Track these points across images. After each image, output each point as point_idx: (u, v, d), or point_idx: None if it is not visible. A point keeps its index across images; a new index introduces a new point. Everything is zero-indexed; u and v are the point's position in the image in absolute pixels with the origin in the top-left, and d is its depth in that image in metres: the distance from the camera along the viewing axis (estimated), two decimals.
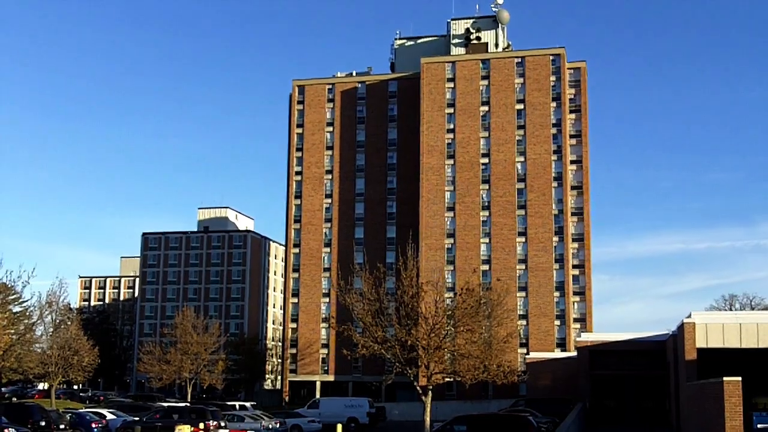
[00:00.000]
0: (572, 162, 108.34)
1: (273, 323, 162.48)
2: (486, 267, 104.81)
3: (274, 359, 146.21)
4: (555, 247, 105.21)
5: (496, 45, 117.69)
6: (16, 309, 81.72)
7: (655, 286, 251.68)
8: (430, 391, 37.79)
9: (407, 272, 38.11)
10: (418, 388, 38.68)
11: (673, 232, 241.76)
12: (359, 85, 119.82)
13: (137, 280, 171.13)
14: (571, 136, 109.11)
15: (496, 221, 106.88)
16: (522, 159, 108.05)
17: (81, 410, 58.26)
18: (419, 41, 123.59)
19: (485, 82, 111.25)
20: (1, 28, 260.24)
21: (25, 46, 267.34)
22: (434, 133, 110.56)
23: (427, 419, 37.15)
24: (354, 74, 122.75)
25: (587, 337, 68.32)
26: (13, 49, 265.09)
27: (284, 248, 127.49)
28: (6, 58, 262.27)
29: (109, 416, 52.97)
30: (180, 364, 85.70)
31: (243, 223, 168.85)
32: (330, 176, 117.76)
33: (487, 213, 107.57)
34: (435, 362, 37.86)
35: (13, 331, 42.49)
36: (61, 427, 48.78)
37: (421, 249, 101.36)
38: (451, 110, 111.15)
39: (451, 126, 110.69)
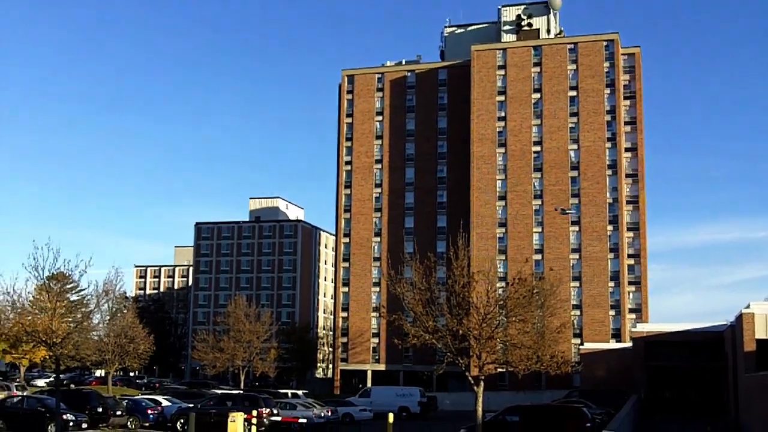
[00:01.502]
0: (627, 149, 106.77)
1: (324, 312, 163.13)
2: (538, 256, 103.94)
3: (325, 348, 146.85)
4: (609, 236, 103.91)
5: (548, 31, 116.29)
6: (74, 297, 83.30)
7: (712, 275, 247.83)
8: (482, 381, 37.43)
9: (458, 262, 37.71)
10: (469, 378, 38.34)
11: (730, 220, 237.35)
12: (409, 74, 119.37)
13: (191, 269, 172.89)
14: (626, 123, 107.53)
15: (548, 210, 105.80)
16: (575, 147, 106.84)
17: (137, 397, 59.02)
18: (469, 29, 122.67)
19: (537, 69, 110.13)
20: (68, 25, 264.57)
21: (82, 40, 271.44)
22: (485, 122, 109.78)
23: (479, 409, 36.84)
24: (403, 63, 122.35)
25: (643, 328, 67.47)
26: (72, 43, 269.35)
27: (334, 238, 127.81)
28: (65, 53, 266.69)
29: (165, 403, 53.54)
30: (233, 352, 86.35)
31: (293, 213, 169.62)
32: (379, 165, 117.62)
33: (539, 202, 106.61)
34: (487, 352, 37.47)
35: (70, 319, 43.12)
36: (118, 413, 49.40)
37: (472, 238, 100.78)
38: (502, 98, 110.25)
39: (502, 114, 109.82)
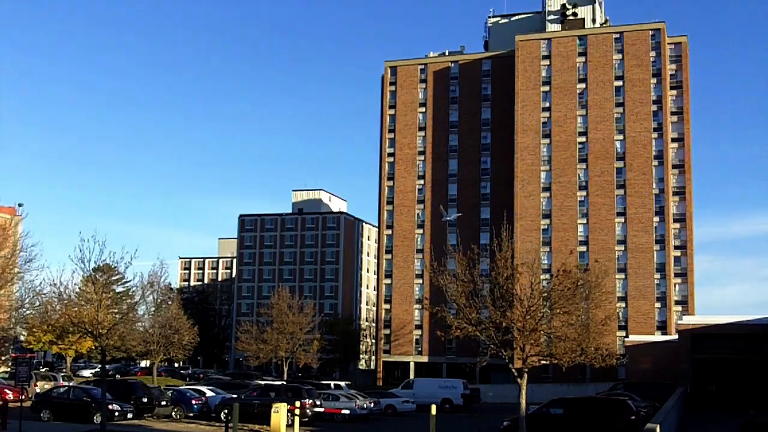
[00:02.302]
0: (673, 140, 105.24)
1: (366, 304, 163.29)
2: (583, 248, 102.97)
3: (368, 339, 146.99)
4: (655, 227, 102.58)
5: (593, 21, 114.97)
6: (120, 289, 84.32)
7: (760, 267, 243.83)
8: (525, 374, 37.08)
9: (502, 253, 37.33)
10: (513, 370, 37.99)
11: None
12: (452, 65, 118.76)
13: (234, 260, 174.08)
14: (672, 113, 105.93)
15: (593, 201, 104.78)
16: (621, 137, 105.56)
17: (181, 387, 59.41)
18: (513, 18, 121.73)
19: (582, 59, 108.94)
20: (117, 27, 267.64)
21: (125, 38, 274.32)
22: (529, 112, 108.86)
23: (523, 402, 36.50)
24: (447, 54, 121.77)
25: (689, 320, 66.56)
26: (112, 42, 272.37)
27: (377, 229, 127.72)
28: (115, 55, 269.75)
29: (209, 393, 53.84)
30: (276, 344, 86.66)
31: (336, 205, 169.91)
32: (423, 157, 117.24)
33: (584, 193, 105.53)
34: (530, 344, 37.09)
35: (116, 310, 43.49)
36: (163, 403, 49.81)
37: (516, 230, 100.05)
38: (547, 88, 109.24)
39: (547, 104, 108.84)
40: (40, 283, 43.95)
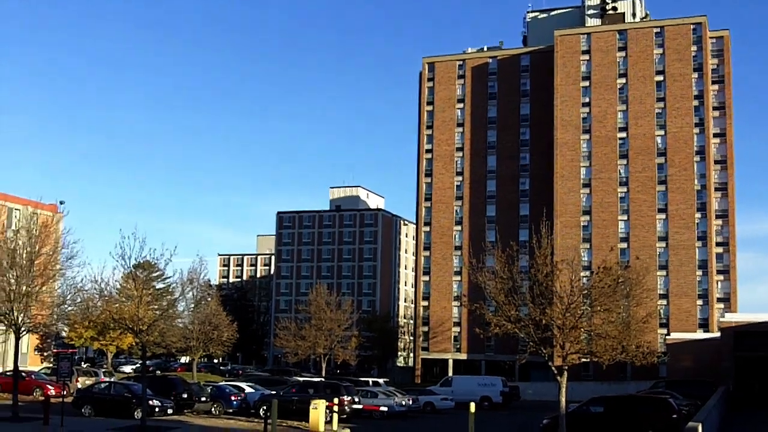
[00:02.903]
0: (715, 135, 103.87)
1: (404, 301, 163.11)
2: (624, 245, 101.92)
3: (406, 336, 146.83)
4: (697, 224, 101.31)
5: (633, 15, 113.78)
6: (160, 286, 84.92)
7: None
8: (565, 372, 36.66)
9: (541, 250, 36.91)
10: (553, 368, 37.57)
11: None
12: (490, 61, 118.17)
13: (273, 257, 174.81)
14: (714, 108, 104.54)
15: (634, 197, 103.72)
16: (662, 132, 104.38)
17: (221, 383, 59.62)
18: (552, 13, 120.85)
19: (622, 54, 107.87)
20: (158, 26, 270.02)
21: (170, 40, 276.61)
22: (569, 108, 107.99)
23: (563, 400, 36.10)
24: (485, 49, 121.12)
25: (732, 318, 65.60)
26: (161, 42, 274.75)
27: (415, 226, 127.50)
28: (156, 54, 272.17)
29: (248, 389, 53.98)
30: (314, 340, 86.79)
31: (374, 202, 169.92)
32: (461, 153, 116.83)
33: (625, 189, 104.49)
34: (570, 342, 36.63)
35: (156, 306, 43.63)
36: (202, 399, 50.00)
37: (556, 227, 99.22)
38: (587, 83, 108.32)
39: (587, 99, 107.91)
40: (82, 279, 44.21)
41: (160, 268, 74.00)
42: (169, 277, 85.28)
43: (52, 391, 51.41)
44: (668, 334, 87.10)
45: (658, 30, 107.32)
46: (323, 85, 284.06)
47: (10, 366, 58.45)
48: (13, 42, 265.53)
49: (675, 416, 36.82)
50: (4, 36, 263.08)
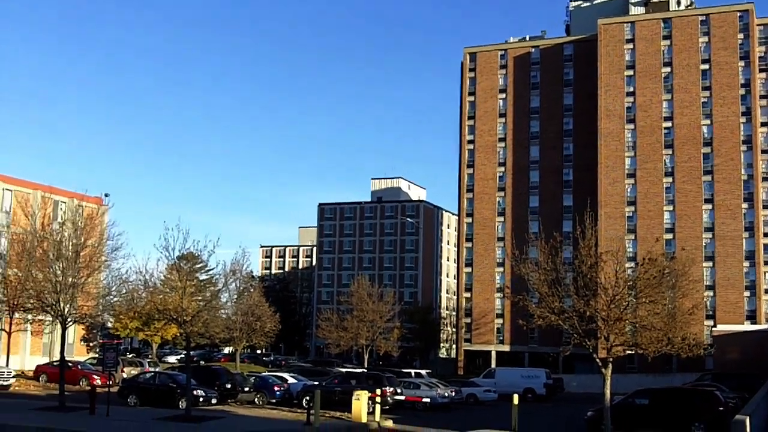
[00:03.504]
0: (763, 124, 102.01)
1: (446, 292, 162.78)
2: (669, 236, 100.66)
3: (449, 328, 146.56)
4: (744, 214, 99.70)
5: (678, 3, 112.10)
6: (203, 277, 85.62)
7: None
8: (610, 364, 36.24)
9: (585, 241, 36.49)
10: (597, 360, 37.22)
11: None
12: (533, 50, 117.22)
13: (314, 249, 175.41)
14: (761, 97, 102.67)
15: (680, 188, 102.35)
16: (708, 122, 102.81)
17: (264, 374, 59.97)
18: (596, 2, 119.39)
19: (667, 42, 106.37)
20: (203, 20, 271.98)
21: (213, 35, 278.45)
22: (613, 97, 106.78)
23: (607, 392, 35.71)
24: (527, 39, 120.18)
25: None
26: (205, 38, 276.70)
27: (457, 218, 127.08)
28: (199, 48, 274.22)
29: (291, 380, 54.19)
30: (356, 331, 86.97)
31: (415, 193, 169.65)
32: (503, 144, 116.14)
33: (670, 179, 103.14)
34: (615, 334, 36.18)
35: (200, 297, 43.95)
36: (246, 389, 50.27)
37: (600, 217, 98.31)
38: (631, 72, 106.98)
39: (631, 89, 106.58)
40: (127, 271, 44.70)
41: (204, 260, 74.57)
42: (213, 269, 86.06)
43: (98, 381, 52.05)
44: (715, 325, 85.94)
45: (704, 18, 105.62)
46: (365, 77, 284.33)
47: (57, 356, 59.33)
48: (58, 34, 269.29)
49: (722, 409, 36.34)
50: (50, 29, 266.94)
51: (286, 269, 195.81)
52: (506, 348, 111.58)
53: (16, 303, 55.37)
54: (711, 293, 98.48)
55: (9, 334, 62.51)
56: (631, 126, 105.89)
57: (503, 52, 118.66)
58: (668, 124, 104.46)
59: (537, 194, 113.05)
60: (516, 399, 39.54)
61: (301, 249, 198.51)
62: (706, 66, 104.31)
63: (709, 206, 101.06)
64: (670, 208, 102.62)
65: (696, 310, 40.73)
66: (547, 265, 37.08)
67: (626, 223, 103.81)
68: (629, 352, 44.29)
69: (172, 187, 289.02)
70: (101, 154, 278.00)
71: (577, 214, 41.92)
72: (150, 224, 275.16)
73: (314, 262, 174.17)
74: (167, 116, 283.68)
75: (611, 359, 36.36)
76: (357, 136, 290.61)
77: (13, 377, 54.85)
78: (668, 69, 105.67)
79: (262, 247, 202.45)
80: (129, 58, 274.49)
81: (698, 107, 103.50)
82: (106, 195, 60.40)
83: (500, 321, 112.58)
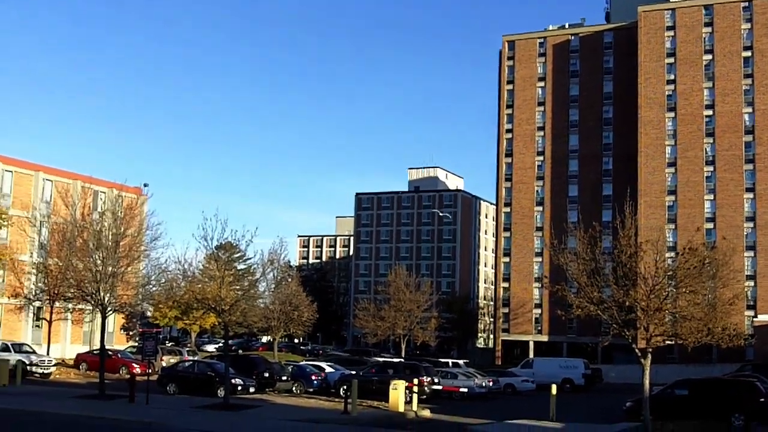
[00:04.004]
0: None
1: (484, 282, 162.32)
2: (710, 225, 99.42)
3: (486, 318, 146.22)
4: None
5: None
6: (241, 266, 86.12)
7: None
8: (649, 354, 35.85)
9: (625, 231, 36.09)
10: (636, 350, 36.81)
11: None
12: (572, 38, 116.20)
13: (352, 239, 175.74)
14: None
15: (721, 177, 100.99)
16: (750, 110, 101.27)
17: (301, 363, 60.17)
18: None
19: (708, 29, 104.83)
20: (239, 12, 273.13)
21: (251, 26, 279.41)
22: (653, 85, 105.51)
23: (646, 382, 35.34)
24: (566, 27, 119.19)
25: None
26: (243, 29, 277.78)
27: (495, 207, 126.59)
28: (238, 39, 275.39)
29: (328, 369, 54.35)
30: (393, 321, 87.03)
31: (453, 183, 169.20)
32: (542, 133, 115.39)
33: (711, 168, 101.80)
34: (654, 324, 35.77)
35: (238, 287, 44.27)
36: (284, 378, 50.51)
37: (640, 207, 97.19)
38: (671, 60, 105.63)
39: (672, 77, 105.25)
40: (166, 260, 45.20)
41: (242, 250, 75.07)
42: (250, 258, 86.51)
43: (137, 370, 52.50)
44: (755, 316, 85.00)
45: (746, 4, 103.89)
46: (402, 66, 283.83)
47: (97, 345, 60.00)
48: (100, 26, 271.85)
49: (762, 400, 35.98)
50: (89, 21, 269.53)
51: (324, 259, 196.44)
52: (544, 338, 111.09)
53: (56, 292, 56.13)
54: (752, 283, 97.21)
55: (50, 323, 63.33)
56: (672, 114, 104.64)
57: (542, 40, 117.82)
58: (709, 112, 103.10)
59: (576, 183, 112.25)
60: (554, 389, 39.34)
61: (338, 239, 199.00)
62: (748, 53, 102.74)
63: (751, 195, 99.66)
64: (711, 197, 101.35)
65: (737, 300, 40.14)
66: (586, 255, 36.74)
67: (666, 212, 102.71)
68: (669, 342, 43.82)
69: (210, 177, 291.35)
70: (140, 144, 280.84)
71: (617, 204, 41.54)
72: (188, 214, 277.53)
73: (351, 252, 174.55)
74: (205, 106, 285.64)
75: (650, 349, 35.99)
76: (395, 126, 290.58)
77: (54, 365, 55.58)
78: (709, 56, 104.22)
79: (299, 236, 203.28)
80: (166, 47, 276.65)
81: (740, 95, 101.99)
82: (145, 185, 60.99)
83: (538, 311, 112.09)
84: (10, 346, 54.41)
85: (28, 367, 51.09)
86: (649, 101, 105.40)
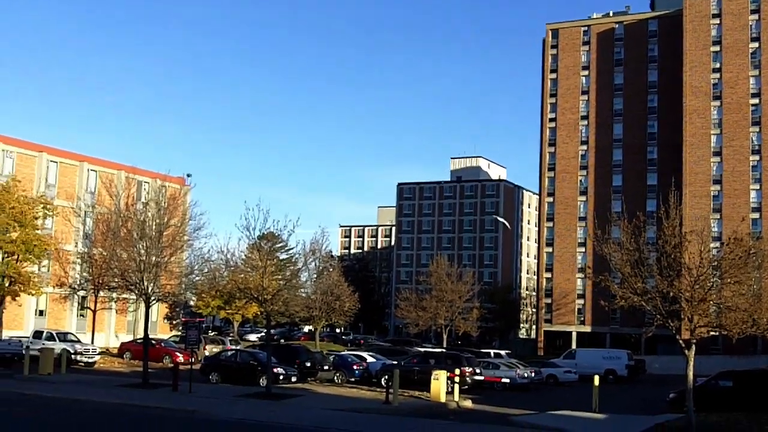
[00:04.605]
0: None
1: (527, 272, 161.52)
2: (756, 215, 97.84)
3: (529, 308, 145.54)
4: None
5: None
6: (283, 256, 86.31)
7: None
8: (693, 345, 35.43)
9: (669, 221, 35.64)
10: (680, 341, 36.37)
11: None
12: (616, 26, 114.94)
13: (393, 229, 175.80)
14: None
15: (767, 166, 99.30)
16: None
17: (343, 352, 60.36)
18: None
19: (755, 17, 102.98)
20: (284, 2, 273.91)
21: (293, 14, 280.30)
22: (698, 74, 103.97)
23: (690, 373, 34.93)
24: (611, 14, 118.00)
25: None
26: (284, 18, 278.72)
27: (537, 197, 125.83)
28: (280, 29, 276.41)
29: (369, 359, 54.40)
30: (435, 311, 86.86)
31: (495, 172, 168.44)
32: (585, 122, 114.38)
33: (757, 157, 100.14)
34: (699, 315, 35.30)
35: (280, 276, 44.37)
36: (325, 368, 50.71)
37: (685, 196, 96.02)
38: (717, 48, 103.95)
39: (717, 65, 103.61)
40: (209, 250, 45.45)
41: (284, 239, 74.79)
42: (292, 248, 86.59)
43: (180, 359, 53.09)
44: None
45: None
46: (445, 55, 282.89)
47: (140, 334, 60.71)
48: (146, 19, 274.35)
49: None
50: (135, 15, 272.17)
51: (365, 249, 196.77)
52: (587, 329, 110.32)
53: (101, 282, 56.89)
54: None
55: (94, 312, 64.21)
56: (717, 103, 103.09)
57: (586, 28, 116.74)
58: (755, 100, 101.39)
59: (620, 173, 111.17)
60: (597, 380, 39.08)
61: (380, 229, 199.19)
62: None
63: None
64: (757, 186, 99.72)
65: None
66: (630, 245, 36.38)
67: (711, 202, 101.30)
68: (713, 333, 43.37)
69: (252, 168, 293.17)
70: (184, 134, 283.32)
71: (662, 193, 41.22)
72: (231, 204, 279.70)
73: (393, 242, 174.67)
74: (248, 96, 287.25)
75: (694, 341, 35.58)
76: (437, 116, 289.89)
77: (98, 354, 56.39)
78: (756, 44, 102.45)
79: (341, 226, 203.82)
80: (209, 39, 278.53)
81: None
82: (188, 175, 61.41)
83: (581, 301, 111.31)
84: (55, 335, 55.27)
85: (73, 356, 51.81)
86: (695, 90, 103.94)
